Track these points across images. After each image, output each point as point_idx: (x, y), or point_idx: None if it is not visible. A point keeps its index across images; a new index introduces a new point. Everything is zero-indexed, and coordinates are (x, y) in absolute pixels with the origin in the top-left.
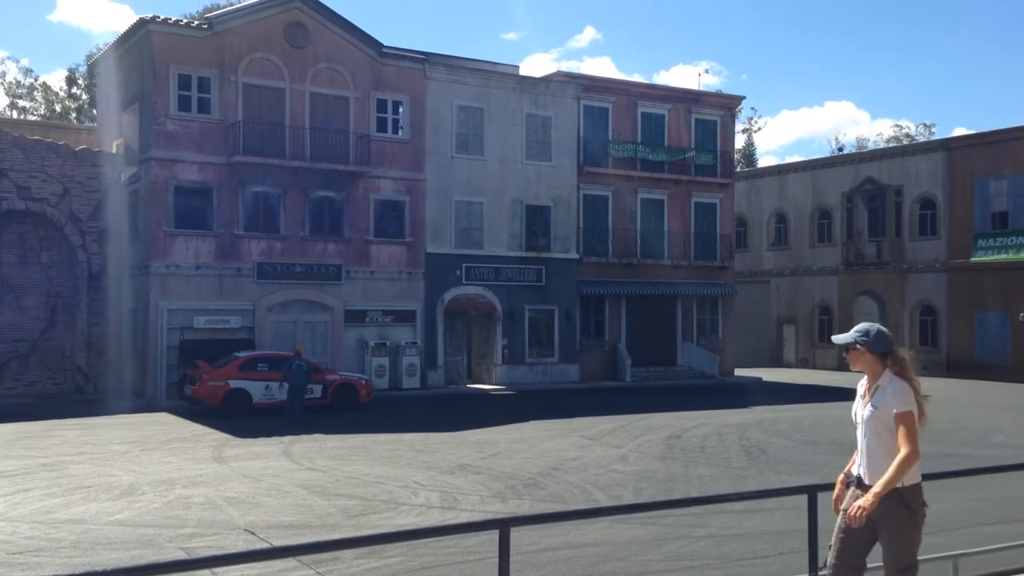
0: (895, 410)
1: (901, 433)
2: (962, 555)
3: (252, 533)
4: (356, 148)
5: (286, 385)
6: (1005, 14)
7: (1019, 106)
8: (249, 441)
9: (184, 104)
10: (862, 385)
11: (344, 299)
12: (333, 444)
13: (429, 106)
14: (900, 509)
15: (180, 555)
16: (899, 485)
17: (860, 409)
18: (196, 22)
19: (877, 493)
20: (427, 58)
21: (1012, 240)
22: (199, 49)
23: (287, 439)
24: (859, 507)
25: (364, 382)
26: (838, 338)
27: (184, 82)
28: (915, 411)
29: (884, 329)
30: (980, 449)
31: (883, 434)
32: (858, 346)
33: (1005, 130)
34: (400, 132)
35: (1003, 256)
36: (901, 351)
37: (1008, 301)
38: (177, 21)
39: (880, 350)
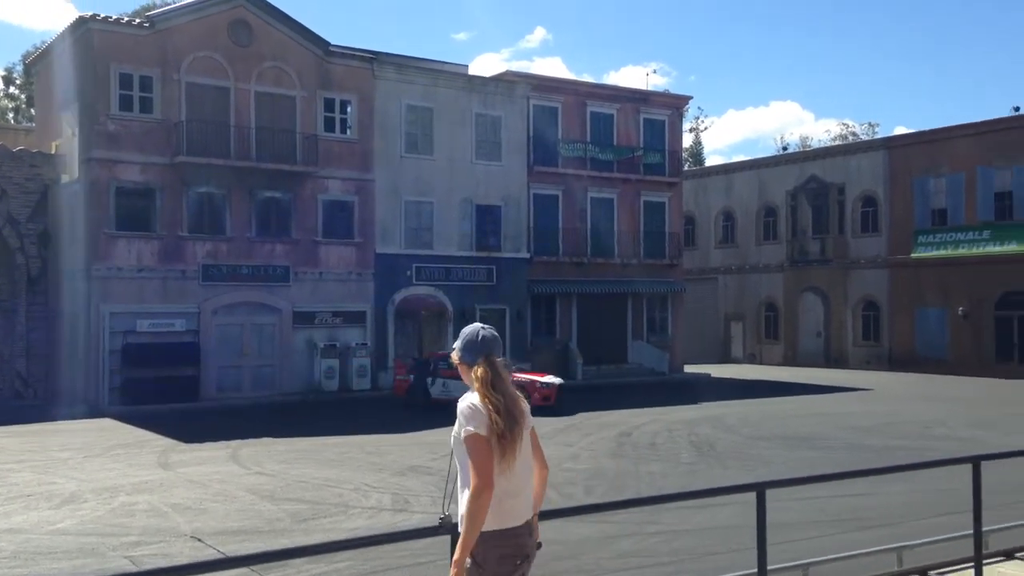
0: (462, 433)
1: (470, 464)
2: (905, 547)
3: (199, 540)
4: (303, 148)
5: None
6: (946, 18)
7: (957, 105)
8: (195, 446)
9: (125, 104)
10: None
11: (292, 301)
12: (282, 447)
13: (377, 106)
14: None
15: (124, 564)
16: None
17: None
18: (137, 20)
19: (457, 559)
20: (375, 57)
21: (950, 236)
22: (141, 47)
23: (235, 443)
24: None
25: (538, 385)
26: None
27: (125, 81)
28: (484, 432)
29: (482, 332)
30: (922, 441)
31: (461, 462)
32: (453, 355)
33: (942, 129)
34: (348, 132)
35: (942, 252)
36: (499, 360)
37: (947, 296)
38: (118, 19)
39: (469, 359)
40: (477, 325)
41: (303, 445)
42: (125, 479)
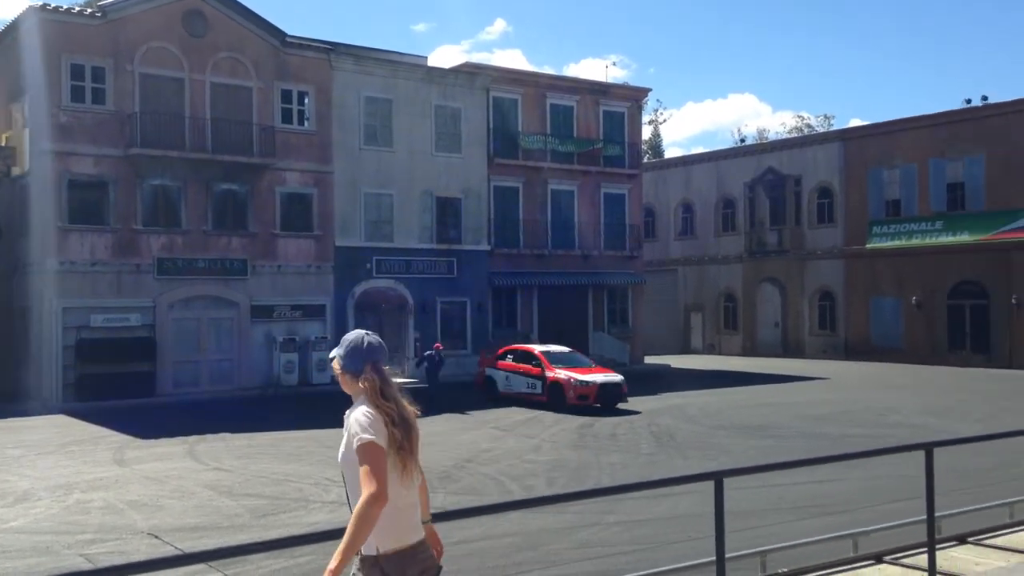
0: (356, 442)
1: (363, 471)
2: (861, 533)
3: (156, 537)
4: (260, 139)
5: (520, 376)
6: (900, 10)
7: (912, 97)
8: (152, 442)
9: (77, 95)
10: None
11: (250, 294)
12: (240, 443)
13: (336, 97)
14: None
15: (80, 562)
16: (375, 551)
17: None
18: (89, 10)
19: (334, 569)
20: (333, 48)
21: (904, 227)
22: (92, 38)
23: (192, 439)
24: None
25: (573, 383)
26: (332, 354)
27: (77, 72)
28: (381, 442)
29: (367, 338)
30: (877, 429)
31: (353, 479)
32: (333, 364)
33: (896, 121)
34: (306, 123)
35: (896, 242)
36: (386, 367)
37: (901, 286)
38: (69, 9)
39: (353, 368)
40: (360, 332)
41: (262, 440)
42: (80, 476)
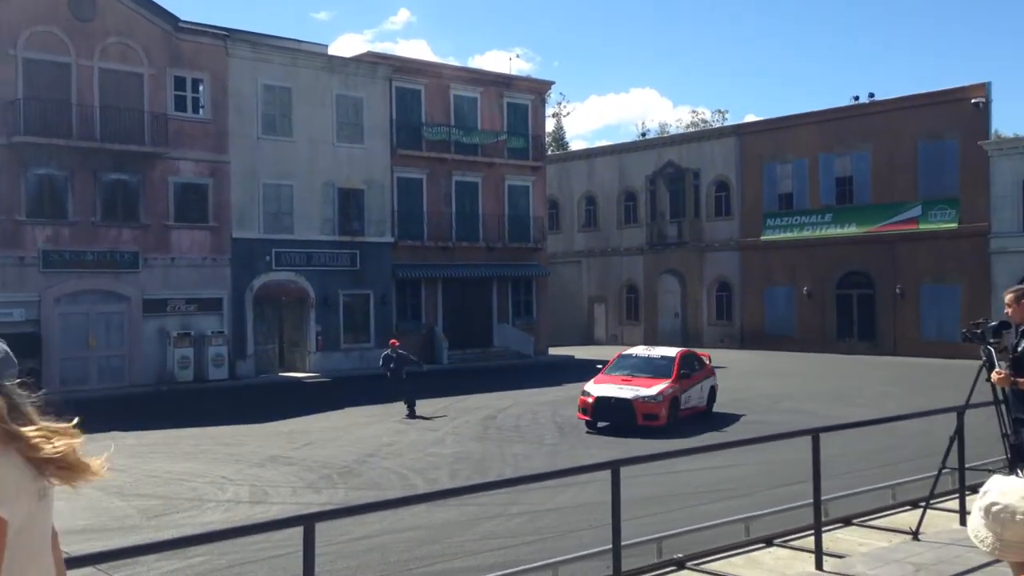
0: None
1: None
2: (752, 517)
3: None
4: (152, 128)
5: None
6: (794, 8)
7: (802, 94)
8: None
9: None
10: None
11: (142, 288)
12: (131, 442)
13: (232, 85)
14: None
15: None
16: None
17: None
18: None
19: None
20: (229, 34)
21: (796, 220)
22: None
23: (80, 438)
24: None
25: (583, 393)
26: None
27: None
28: (6, 511)
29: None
30: (771, 415)
31: None
32: None
33: (788, 117)
34: (201, 111)
35: (789, 234)
36: (13, 387)
37: (794, 276)
38: None
39: None
40: None
41: (155, 438)
42: None
